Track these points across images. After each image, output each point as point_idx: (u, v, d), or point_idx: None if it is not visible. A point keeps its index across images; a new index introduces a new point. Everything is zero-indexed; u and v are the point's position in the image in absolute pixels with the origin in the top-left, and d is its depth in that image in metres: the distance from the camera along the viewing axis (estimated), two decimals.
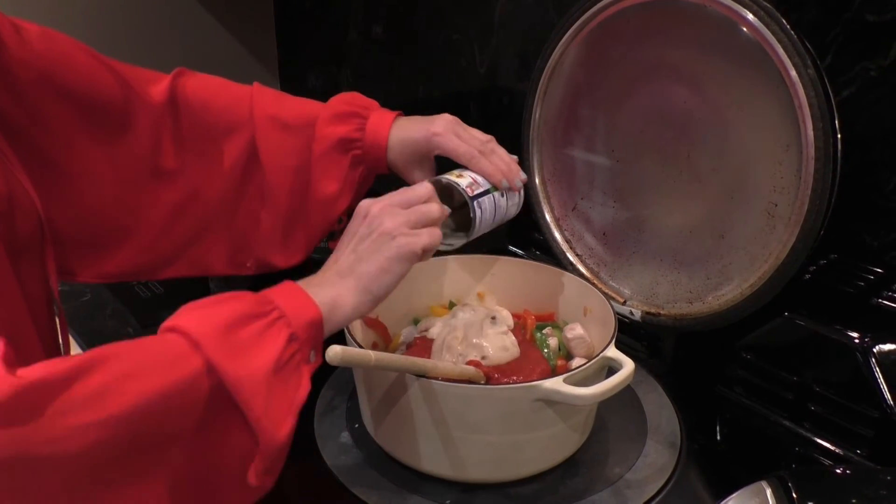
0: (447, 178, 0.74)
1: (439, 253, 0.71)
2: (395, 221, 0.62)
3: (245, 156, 0.77)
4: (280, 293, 0.57)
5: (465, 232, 0.75)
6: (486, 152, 0.76)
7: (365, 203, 0.65)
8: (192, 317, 0.53)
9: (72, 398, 0.45)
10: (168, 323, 0.53)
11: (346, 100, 0.80)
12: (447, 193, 0.74)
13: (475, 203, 0.73)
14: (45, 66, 0.66)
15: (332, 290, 0.60)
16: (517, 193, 0.78)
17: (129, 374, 0.48)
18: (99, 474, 0.47)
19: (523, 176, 0.77)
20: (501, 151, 0.78)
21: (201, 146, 0.76)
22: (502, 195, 0.76)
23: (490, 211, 0.75)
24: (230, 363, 0.51)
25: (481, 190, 0.74)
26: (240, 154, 0.77)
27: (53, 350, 0.68)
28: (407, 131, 0.78)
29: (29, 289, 0.63)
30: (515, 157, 0.79)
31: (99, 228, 0.73)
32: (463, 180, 0.74)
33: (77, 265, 0.74)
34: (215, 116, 0.77)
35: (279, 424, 0.53)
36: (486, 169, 0.75)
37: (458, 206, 0.75)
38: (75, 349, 0.96)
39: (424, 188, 0.66)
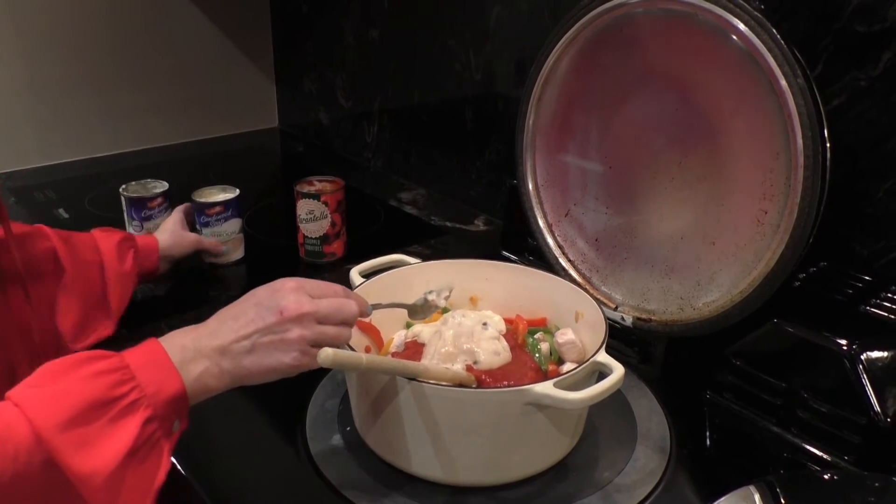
0: None
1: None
2: (301, 334, 0.61)
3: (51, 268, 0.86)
4: (144, 364, 0.56)
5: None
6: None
7: (291, 293, 0.62)
8: (40, 400, 0.52)
9: None
10: (16, 395, 0.52)
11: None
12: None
13: None
14: None
15: (204, 365, 0.59)
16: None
17: None
18: None
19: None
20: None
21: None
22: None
23: None
24: (75, 459, 0.50)
25: None
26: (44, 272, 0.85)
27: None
28: (167, 226, 1.08)
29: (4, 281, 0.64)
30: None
31: None
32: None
33: None
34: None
35: None
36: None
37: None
38: None
39: (361, 308, 0.66)
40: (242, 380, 0.61)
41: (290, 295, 0.62)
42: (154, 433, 0.54)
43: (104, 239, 0.94)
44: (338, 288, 0.67)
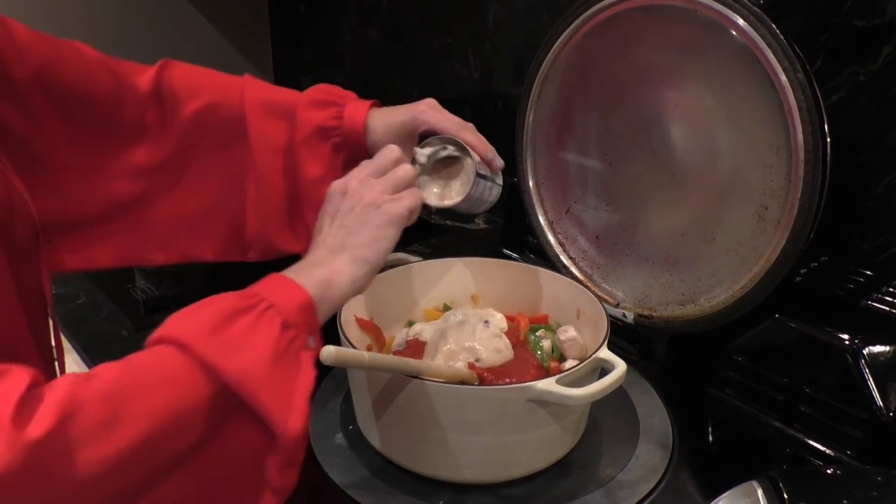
0: (449, 141, 0.76)
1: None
2: (374, 191, 0.63)
3: (235, 142, 0.77)
4: (264, 285, 0.56)
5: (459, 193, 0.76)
6: (469, 129, 0.77)
7: (339, 183, 0.66)
8: (179, 324, 0.52)
9: (80, 437, 0.43)
10: (155, 335, 0.51)
11: (323, 89, 0.81)
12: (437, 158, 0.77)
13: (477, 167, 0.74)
14: (37, 64, 0.66)
15: (324, 269, 0.60)
16: (498, 178, 0.78)
17: (131, 398, 0.46)
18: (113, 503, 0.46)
19: (500, 162, 0.78)
20: (481, 135, 0.78)
21: (189, 136, 0.76)
22: (485, 177, 0.76)
23: (483, 186, 0.76)
24: (228, 361, 0.50)
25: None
26: (228, 141, 0.77)
27: (47, 352, 0.68)
28: (389, 115, 0.79)
29: (24, 292, 0.63)
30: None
31: (86, 216, 0.73)
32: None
33: (64, 250, 0.73)
34: (204, 107, 0.77)
35: (291, 413, 0.52)
36: (471, 140, 0.76)
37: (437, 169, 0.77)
38: (71, 354, 0.96)
39: (392, 152, 0.67)
40: (367, 258, 0.61)
41: (341, 185, 0.65)
42: (292, 342, 0.54)
43: (304, 124, 0.77)
44: (384, 159, 0.66)
